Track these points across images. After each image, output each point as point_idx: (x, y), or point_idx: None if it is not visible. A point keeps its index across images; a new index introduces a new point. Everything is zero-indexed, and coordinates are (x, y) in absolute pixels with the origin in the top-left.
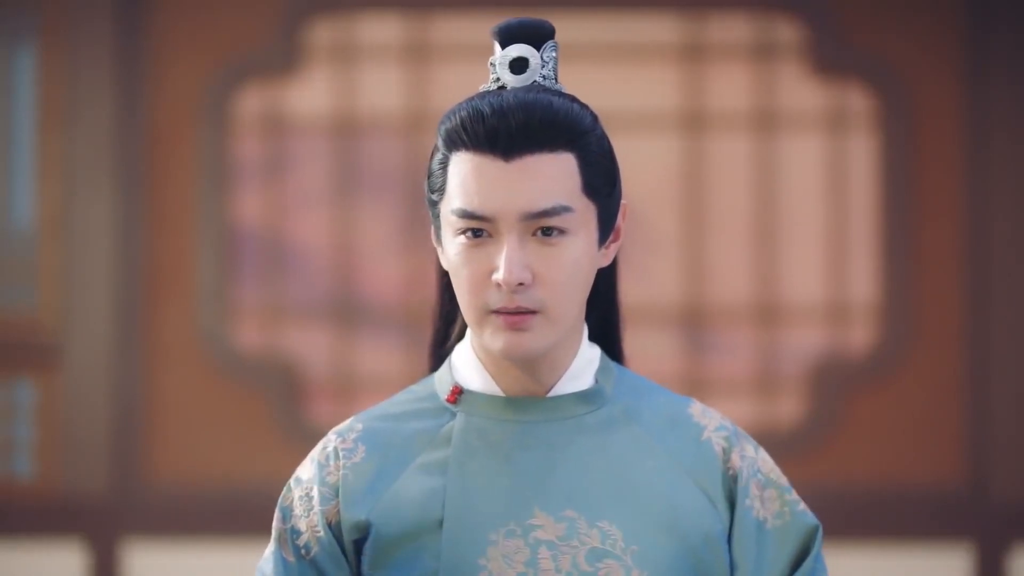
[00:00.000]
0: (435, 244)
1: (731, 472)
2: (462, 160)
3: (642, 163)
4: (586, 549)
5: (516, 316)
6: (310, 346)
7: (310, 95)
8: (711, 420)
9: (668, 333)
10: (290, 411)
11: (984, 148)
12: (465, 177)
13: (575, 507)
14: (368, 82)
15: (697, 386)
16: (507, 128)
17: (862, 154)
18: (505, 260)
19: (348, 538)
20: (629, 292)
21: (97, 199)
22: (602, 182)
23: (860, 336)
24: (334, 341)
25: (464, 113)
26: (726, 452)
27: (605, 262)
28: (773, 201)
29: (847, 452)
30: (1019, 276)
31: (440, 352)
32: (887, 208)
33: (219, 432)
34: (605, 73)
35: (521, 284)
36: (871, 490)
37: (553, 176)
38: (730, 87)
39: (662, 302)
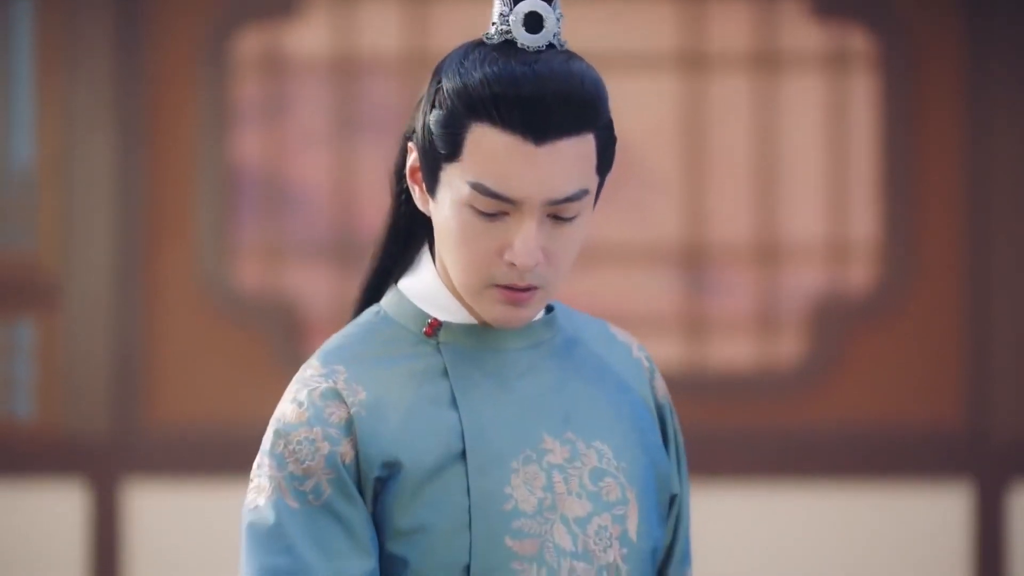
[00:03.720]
0: (411, 182)
1: (659, 392)
2: (487, 134)
3: (642, 103)
4: (588, 469)
5: (523, 293)
6: (310, 286)
7: (310, 35)
8: (630, 339)
9: (668, 273)
10: (290, 351)
11: (984, 87)
12: (492, 155)
13: (573, 429)
14: (368, 22)
15: (697, 326)
16: (544, 113)
17: (862, 94)
18: (525, 244)
19: (369, 476)
20: (629, 232)
21: (97, 140)
22: (610, 157)
23: (860, 275)
24: (334, 281)
25: (496, 87)
26: (651, 372)
27: None
28: (773, 141)
29: (847, 391)
30: (1020, 214)
31: (376, 290)
32: (887, 148)
33: (219, 372)
34: (603, 13)
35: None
36: (871, 429)
37: (577, 160)
38: (730, 27)
39: (662, 242)
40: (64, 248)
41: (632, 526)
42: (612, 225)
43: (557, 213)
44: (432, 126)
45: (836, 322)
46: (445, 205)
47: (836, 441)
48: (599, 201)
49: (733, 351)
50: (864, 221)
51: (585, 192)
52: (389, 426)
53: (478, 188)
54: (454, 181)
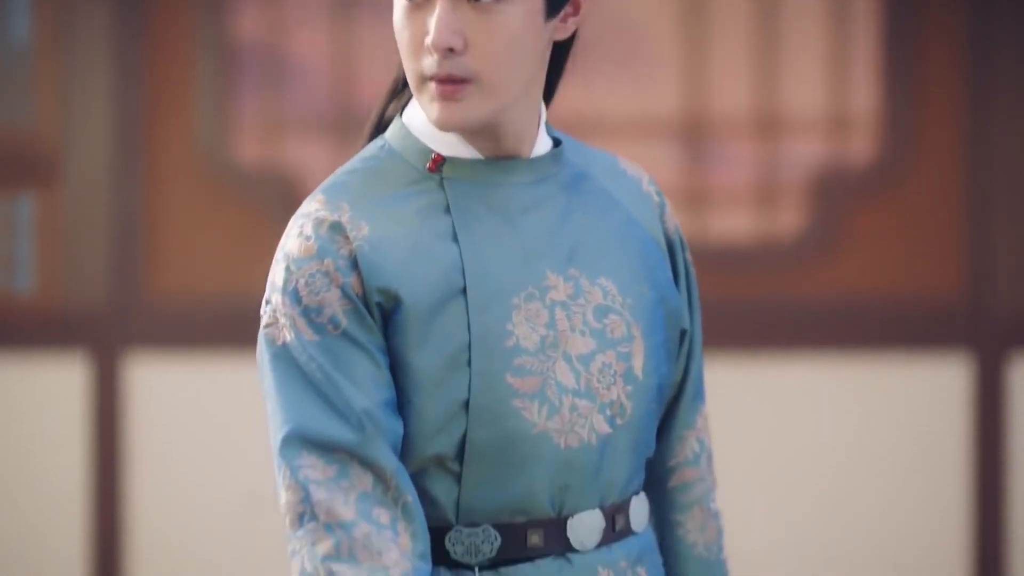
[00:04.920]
0: None
1: (669, 226)
2: None
3: None
4: (592, 306)
5: (448, 85)
6: (309, 159)
7: None
8: (640, 172)
9: (667, 145)
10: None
11: None
12: None
13: (576, 266)
14: None
15: (696, 198)
16: None
17: None
18: (435, 23)
19: (376, 311)
20: (629, 106)
21: (96, 13)
22: None
23: (861, 147)
24: (333, 154)
25: None
26: (661, 207)
27: (562, 35)
28: (774, 11)
29: (847, 263)
30: (1022, 86)
31: (383, 118)
32: (889, 18)
33: (219, 245)
34: None
35: (451, 50)
36: (871, 301)
37: None
38: None
39: (662, 115)
40: (63, 122)
41: (637, 363)
42: (612, 98)
43: None
44: None
45: (836, 194)
46: (394, 8)
47: (836, 313)
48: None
49: (733, 224)
50: (865, 93)
51: None
52: (391, 261)
53: None
54: None
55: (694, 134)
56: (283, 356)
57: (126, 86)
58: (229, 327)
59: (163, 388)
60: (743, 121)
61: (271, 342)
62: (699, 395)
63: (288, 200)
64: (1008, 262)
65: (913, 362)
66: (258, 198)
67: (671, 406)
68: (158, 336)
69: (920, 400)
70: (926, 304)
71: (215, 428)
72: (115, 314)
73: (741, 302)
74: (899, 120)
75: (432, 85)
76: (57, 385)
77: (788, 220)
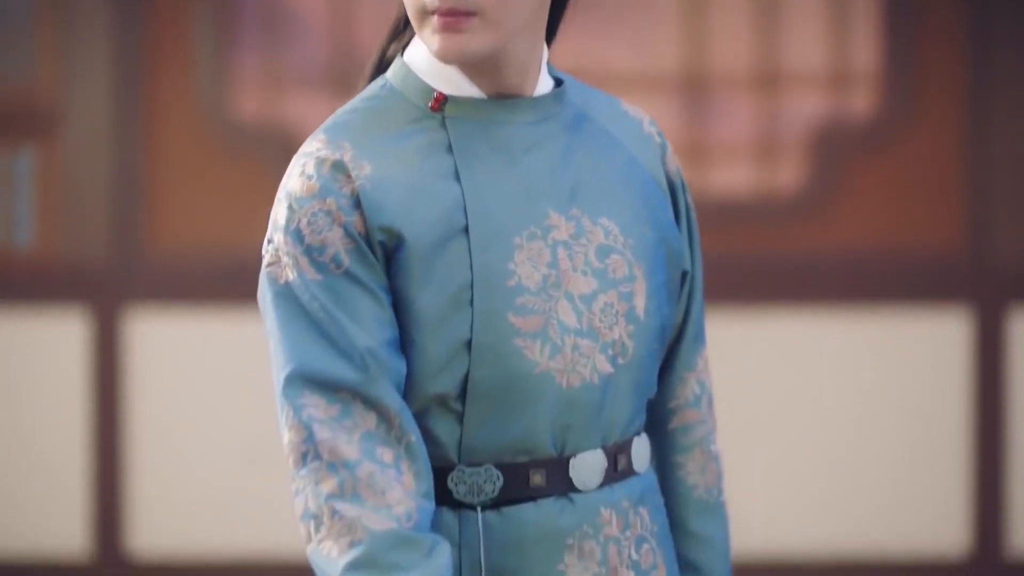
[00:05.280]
0: None
1: (671, 168)
2: None
3: None
4: (594, 246)
5: (450, 17)
6: (309, 114)
7: None
8: (641, 114)
9: (668, 99)
10: None
11: None
12: None
13: (579, 205)
14: None
15: (696, 152)
16: None
17: None
18: None
19: (378, 250)
20: (629, 60)
21: None
22: None
23: (861, 102)
24: (333, 108)
25: None
26: (663, 148)
27: None
28: None
29: (847, 218)
30: (1023, 41)
31: (384, 56)
32: None
33: (219, 200)
34: None
35: None
36: (871, 255)
37: None
38: None
39: (662, 68)
40: (63, 77)
41: (639, 303)
42: (613, 53)
43: None
44: None
45: (837, 149)
46: None
47: (836, 267)
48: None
49: (733, 178)
50: (866, 47)
51: None
52: (393, 199)
53: None
54: None
55: (695, 89)
56: (285, 295)
57: (126, 41)
58: (229, 281)
59: (163, 342)
60: (743, 76)
61: (273, 281)
62: (700, 337)
63: (288, 155)
64: (1008, 216)
65: (913, 316)
66: (258, 153)
67: (672, 348)
68: (158, 290)
69: (921, 353)
70: (926, 258)
71: (215, 381)
72: (115, 268)
73: (741, 256)
74: (900, 75)
75: (435, 18)
76: (57, 340)
77: (788, 175)
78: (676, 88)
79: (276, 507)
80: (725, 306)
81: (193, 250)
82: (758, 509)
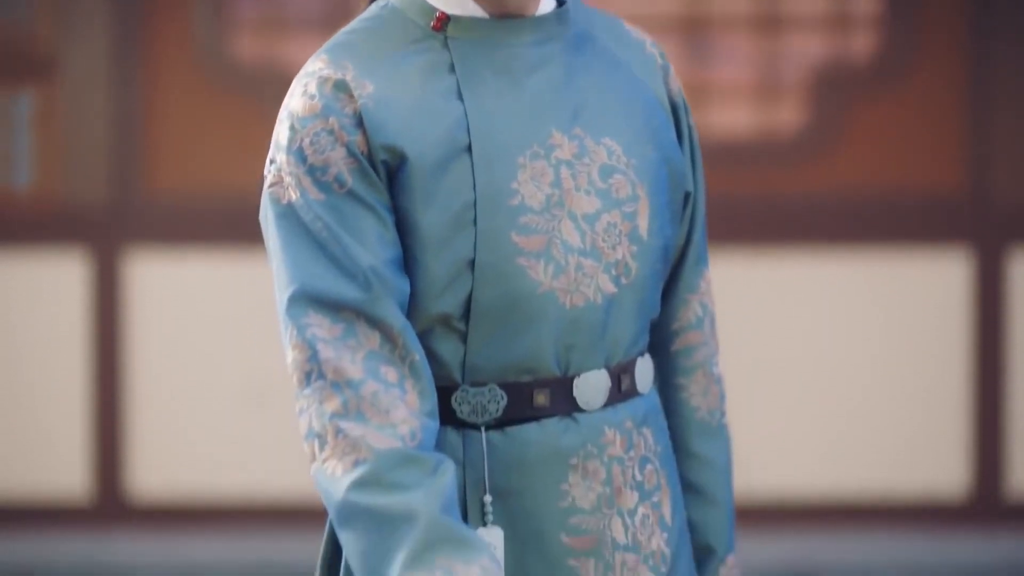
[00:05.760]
0: None
1: (673, 89)
2: None
3: None
4: (597, 166)
5: None
6: (307, 55)
7: None
8: (644, 36)
9: (668, 40)
10: None
11: None
12: None
13: (581, 125)
14: None
15: (697, 94)
16: None
17: None
18: None
19: (381, 169)
20: (629, 1)
21: None
22: None
23: (862, 43)
24: None
25: None
26: (665, 69)
27: None
28: None
29: (848, 158)
30: None
31: None
32: None
33: (218, 142)
34: None
35: None
36: (872, 196)
37: None
38: None
39: (663, 9)
40: (62, 19)
41: (643, 223)
42: None
43: None
44: None
45: (837, 90)
46: None
47: (837, 208)
48: None
49: (734, 119)
50: None
51: None
52: (396, 118)
53: None
54: None
55: (696, 30)
56: (288, 215)
57: None
58: (228, 222)
59: (162, 283)
60: (745, 17)
61: (276, 201)
62: (702, 259)
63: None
64: (1008, 157)
65: (913, 256)
66: (256, 95)
67: (675, 269)
68: (157, 231)
69: (920, 294)
70: (927, 198)
71: (214, 322)
72: (114, 210)
73: (742, 198)
74: (901, 16)
75: None
76: (57, 281)
77: (789, 116)
78: (678, 29)
79: (276, 448)
80: (726, 247)
81: (192, 191)
82: (756, 450)
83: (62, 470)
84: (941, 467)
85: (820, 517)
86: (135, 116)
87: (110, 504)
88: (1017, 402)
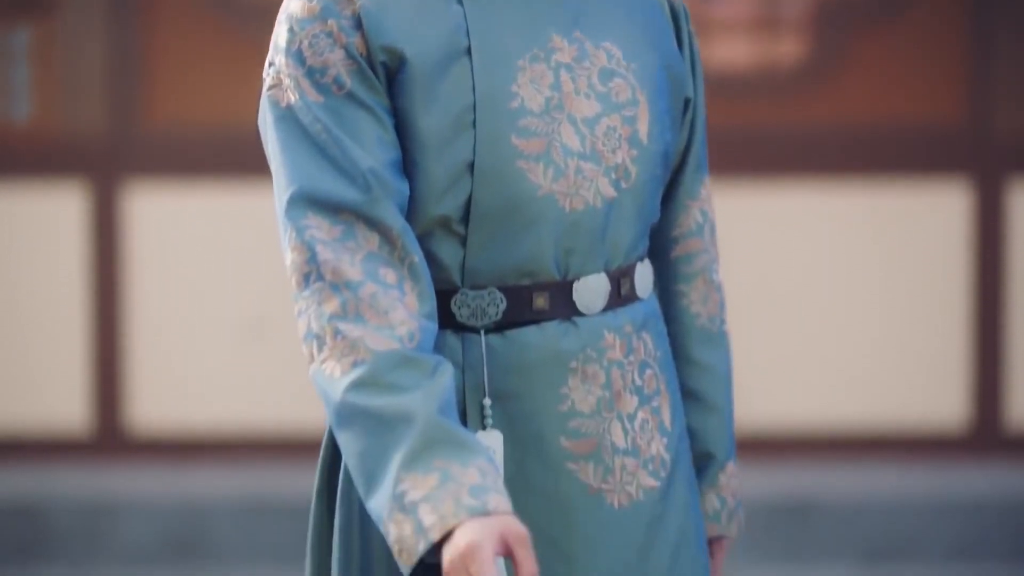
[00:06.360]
0: None
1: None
2: None
3: None
4: (597, 69)
5: None
6: None
7: None
8: None
9: None
10: None
11: None
12: None
13: (581, 29)
14: None
15: (699, 26)
16: None
17: None
18: None
19: (380, 71)
20: None
21: None
22: None
23: None
24: None
25: None
26: None
27: None
28: None
29: (849, 90)
30: None
31: None
32: None
33: (216, 74)
34: None
35: None
36: (872, 127)
37: None
38: None
39: None
40: None
41: (642, 128)
42: None
43: None
44: None
45: (838, 22)
46: None
47: (837, 140)
48: None
49: (735, 51)
50: None
51: None
52: (395, 20)
53: None
54: None
55: None
56: (287, 118)
57: None
58: (226, 155)
59: (161, 216)
60: None
61: (275, 104)
62: (702, 166)
63: None
64: (1009, 88)
65: (913, 187)
66: (256, 27)
67: (675, 176)
68: (156, 164)
69: (920, 225)
70: (927, 130)
71: (213, 255)
72: (113, 143)
73: (742, 129)
74: None
75: None
76: (56, 214)
77: (790, 48)
78: None
79: (275, 380)
80: (727, 179)
81: (191, 124)
82: (756, 382)
83: (62, 403)
84: (941, 398)
85: (819, 449)
86: (133, 48)
87: (110, 437)
88: (1017, 333)
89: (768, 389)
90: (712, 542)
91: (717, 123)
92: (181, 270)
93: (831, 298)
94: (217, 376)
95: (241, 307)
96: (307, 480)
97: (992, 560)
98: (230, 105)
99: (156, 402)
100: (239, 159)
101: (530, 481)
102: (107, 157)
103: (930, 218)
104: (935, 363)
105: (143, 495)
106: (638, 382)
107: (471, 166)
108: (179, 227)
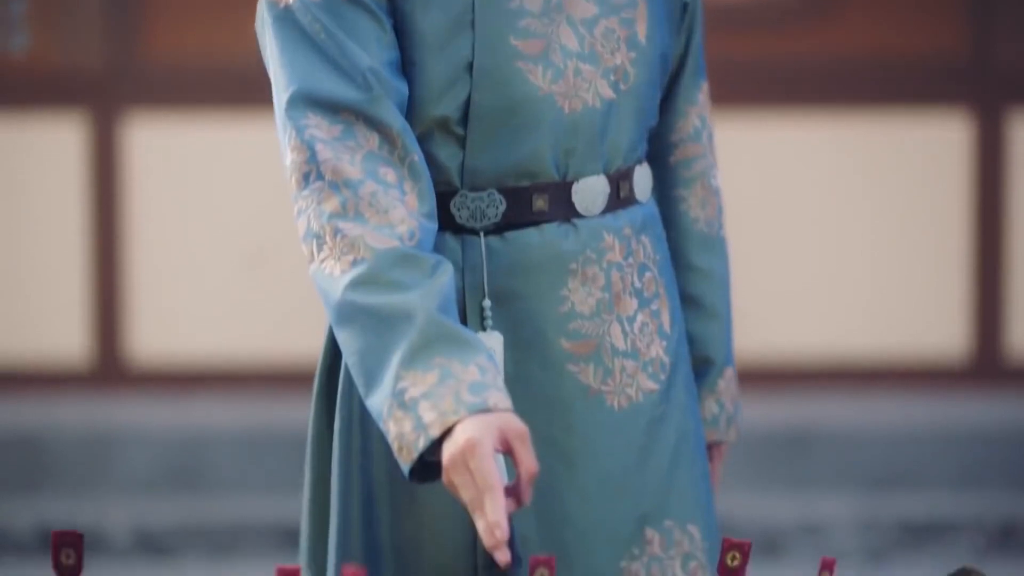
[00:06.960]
0: None
1: None
2: None
3: None
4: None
5: None
6: None
7: None
8: None
9: None
10: None
11: None
12: None
13: None
14: None
15: None
16: None
17: None
18: None
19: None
20: None
21: None
22: None
23: None
24: None
25: None
26: None
27: None
28: None
29: (848, 21)
30: None
31: None
32: None
33: (217, 4)
34: None
35: None
36: (872, 58)
37: None
38: None
39: None
40: None
41: (641, 29)
42: None
43: None
44: None
45: None
46: None
47: (837, 70)
48: None
49: None
50: None
51: None
52: None
53: None
54: None
55: None
56: (286, 18)
57: None
58: (225, 86)
59: (161, 147)
60: None
61: (273, 5)
62: (700, 71)
63: None
64: (1009, 19)
65: (914, 119)
66: None
67: (673, 80)
68: (154, 95)
69: (922, 156)
70: (927, 61)
71: (212, 185)
72: (112, 74)
73: (741, 61)
74: None
75: None
76: (55, 145)
77: None
78: None
79: (276, 311)
80: (726, 109)
81: (190, 55)
82: (755, 313)
83: (62, 335)
84: (941, 329)
85: (820, 379)
86: None
87: (110, 368)
88: (1017, 264)
89: (769, 320)
90: (711, 447)
91: (714, 53)
92: (180, 201)
93: (832, 229)
94: (216, 307)
95: (241, 237)
96: (307, 410)
97: (992, 489)
98: (229, 35)
99: (156, 333)
100: (238, 89)
101: (530, 382)
102: (106, 88)
103: (931, 149)
104: (936, 293)
105: (143, 426)
106: (637, 285)
107: (470, 66)
108: (178, 157)
